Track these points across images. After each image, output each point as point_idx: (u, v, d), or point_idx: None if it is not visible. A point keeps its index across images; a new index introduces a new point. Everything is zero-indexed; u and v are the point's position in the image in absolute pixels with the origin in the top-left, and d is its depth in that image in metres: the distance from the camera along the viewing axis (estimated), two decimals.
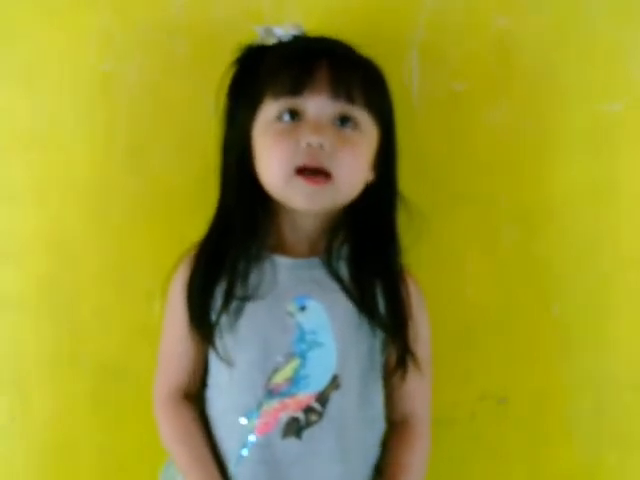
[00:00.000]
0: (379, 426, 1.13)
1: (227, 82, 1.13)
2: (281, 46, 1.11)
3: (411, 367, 1.11)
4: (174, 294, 1.13)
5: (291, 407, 1.06)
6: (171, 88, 1.26)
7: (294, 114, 1.06)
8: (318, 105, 1.05)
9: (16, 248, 1.29)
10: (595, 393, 1.28)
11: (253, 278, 1.09)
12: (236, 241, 1.10)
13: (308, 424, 1.06)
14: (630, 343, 1.29)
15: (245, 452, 1.07)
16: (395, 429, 1.14)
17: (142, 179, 1.27)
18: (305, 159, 1.04)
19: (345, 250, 1.11)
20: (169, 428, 1.13)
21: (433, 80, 1.25)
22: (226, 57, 1.13)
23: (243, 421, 1.07)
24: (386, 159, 1.13)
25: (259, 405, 1.07)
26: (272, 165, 1.06)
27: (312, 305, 1.07)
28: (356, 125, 1.07)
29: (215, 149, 1.14)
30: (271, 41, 1.12)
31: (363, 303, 1.08)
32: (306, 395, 1.06)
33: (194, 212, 1.24)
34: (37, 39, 1.26)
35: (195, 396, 1.14)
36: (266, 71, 1.08)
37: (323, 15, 1.19)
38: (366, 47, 1.11)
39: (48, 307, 1.30)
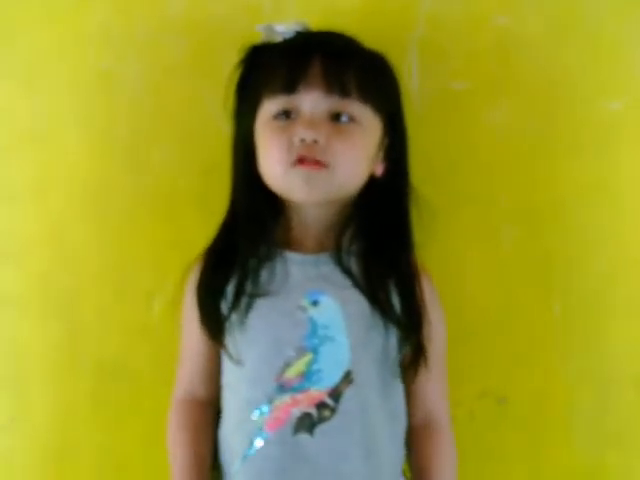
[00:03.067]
0: (401, 422, 1.11)
1: (233, 83, 1.13)
2: (279, 44, 1.11)
3: (426, 366, 1.09)
4: (187, 297, 1.13)
5: (303, 402, 1.05)
6: (171, 87, 1.26)
7: (290, 111, 1.06)
8: (312, 101, 1.05)
9: (16, 248, 1.29)
10: (596, 393, 1.28)
11: (264, 275, 1.08)
12: (245, 240, 1.10)
13: (321, 420, 1.04)
14: (631, 343, 1.28)
15: (255, 448, 1.05)
16: (419, 431, 1.12)
17: (142, 178, 1.28)
18: (300, 153, 1.04)
19: (355, 246, 1.10)
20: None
21: (433, 79, 1.25)
22: (226, 55, 1.13)
23: (253, 416, 1.06)
24: (396, 151, 1.12)
25: (270, 400, 1.05)
26: (269, 161, 1.07)
27: (325, 300, 1.06)
28: (353, 119, 1.06)
29: (215, 148, 1.14)
30: (275, 39, 1.12)
31: (376, 299, 1.07)
32: (318, 391, 1.05)
33: (194, 212, 1.24)
34: (37, 39, 1.27)
35: (214, 402, 1.12)
36: (263, 70, 1.08)
37: (323, 13, 1.19)
38: (366, 46, 1.11)
39: (48, 307, 1.30)
